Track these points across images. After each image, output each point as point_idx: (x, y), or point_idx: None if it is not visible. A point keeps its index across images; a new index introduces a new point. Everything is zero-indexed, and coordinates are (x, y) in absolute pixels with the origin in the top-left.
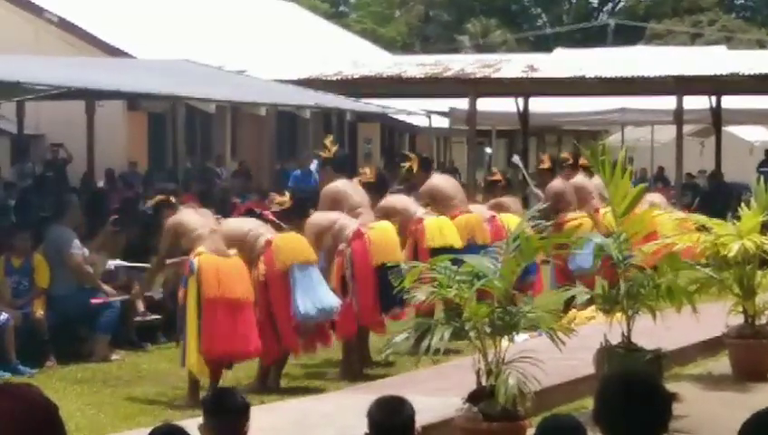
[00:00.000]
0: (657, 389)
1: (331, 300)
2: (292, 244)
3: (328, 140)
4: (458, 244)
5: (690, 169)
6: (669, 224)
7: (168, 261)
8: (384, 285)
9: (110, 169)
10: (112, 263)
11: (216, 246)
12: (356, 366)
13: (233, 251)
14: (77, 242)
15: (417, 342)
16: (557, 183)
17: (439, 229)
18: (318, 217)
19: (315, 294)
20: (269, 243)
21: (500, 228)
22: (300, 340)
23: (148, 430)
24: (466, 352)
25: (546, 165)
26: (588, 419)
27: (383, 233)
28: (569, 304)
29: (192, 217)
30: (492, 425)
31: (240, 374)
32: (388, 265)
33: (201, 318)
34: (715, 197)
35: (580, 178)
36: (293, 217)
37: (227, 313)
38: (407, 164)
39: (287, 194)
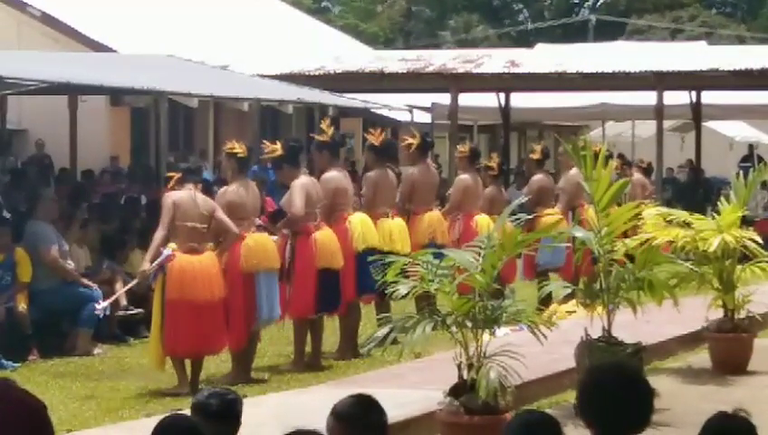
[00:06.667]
0: (640, 381)
1: (278, 310)
2: (263, 248)
3: (324, 123)
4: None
5: (671, 164)
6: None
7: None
8: (324, 287)
9: (89, 169)
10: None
11: (189, 240)
12: (312, 355)
13: (208, 244)
14: (54, 237)
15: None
16: (540, 177)
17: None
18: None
19: (272, 303)
20: (241, 238)
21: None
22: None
23: (131, 423)
24: (448, 347)
25: (537, 155)
26: (569, 412)
27: (330, 237)
28: (548, 298)
29: (186, 200)
30: (473, 418)
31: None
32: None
33: (164, 318)
34: (695, 191)
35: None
36: (286, 167)
37: (190, 314)
38: (408, 140)
39: (278, 143)
